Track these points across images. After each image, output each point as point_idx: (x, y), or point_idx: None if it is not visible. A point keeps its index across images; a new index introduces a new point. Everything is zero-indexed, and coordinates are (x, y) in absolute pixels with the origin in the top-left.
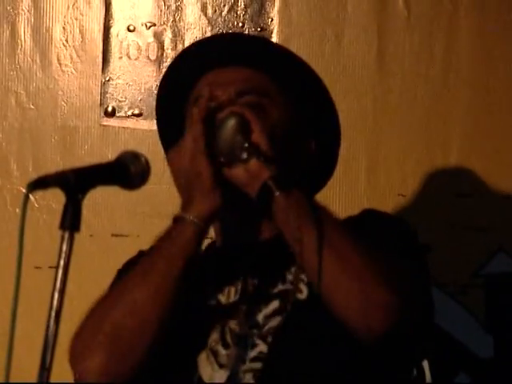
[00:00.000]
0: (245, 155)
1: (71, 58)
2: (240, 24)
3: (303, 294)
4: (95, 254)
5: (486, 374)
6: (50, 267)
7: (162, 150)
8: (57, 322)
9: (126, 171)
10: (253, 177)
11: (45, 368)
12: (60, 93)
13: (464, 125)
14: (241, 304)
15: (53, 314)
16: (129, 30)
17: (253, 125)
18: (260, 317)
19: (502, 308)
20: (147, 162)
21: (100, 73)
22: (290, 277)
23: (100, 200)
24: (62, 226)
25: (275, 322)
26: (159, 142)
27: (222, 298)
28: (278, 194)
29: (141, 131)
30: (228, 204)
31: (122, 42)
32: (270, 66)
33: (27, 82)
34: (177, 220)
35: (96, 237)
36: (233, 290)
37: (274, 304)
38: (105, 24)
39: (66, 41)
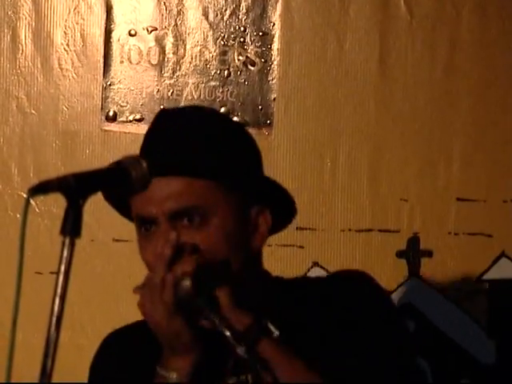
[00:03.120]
0: (205, 316)
1: (72, 63)
2: (242, 28)
3: None
4: (96, 259)
5: (488, 379)
6: (51, 272)
7: None
8: (58, 327)
9: (127, 176)
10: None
11: (45, 374)
12: (61, 97)
13: (466, 130)
14: None
15: (54, 319)
16: (130, 35)
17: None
18: None
19: (505, 314)
20: (148, 167)
21: (101, 77)
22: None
23: (101, 205)
24: (63, 231)
25: None
26: None
27: None
28: (246, 356)
29: (142, 136)
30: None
31: (123, 47)
32: (202, 171)
33: (28, 87)
34: (163, 379)
35: (97, 242)
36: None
37: None
38: (106, 28)
39: (67, 45)
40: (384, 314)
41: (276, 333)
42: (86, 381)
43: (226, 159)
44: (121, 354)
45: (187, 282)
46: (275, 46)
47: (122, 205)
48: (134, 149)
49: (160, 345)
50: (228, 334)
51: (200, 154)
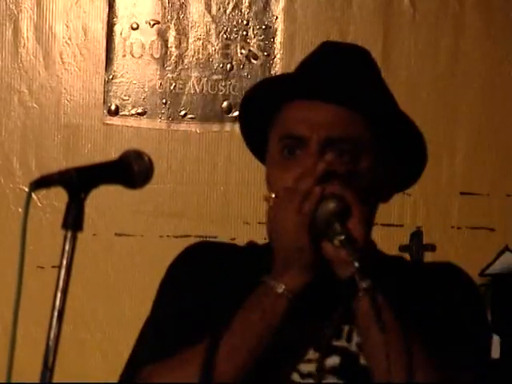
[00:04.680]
0: (337, 243)
1: (74, 57)
2: (244, 22)
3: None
4: (98, 254)
5: (492, 374)
6: (53, 267)
7: (166, 149)
8: (59, 321)
9: (130, 170)
10: (340, 262)
11: (47, 368)
12: (63, 91)
13: (470, 123)
14: (300, 347)
15: (55, 313)
16: (132, 28)
17: (353, 209)
18: (314, 366)
19: (508, 308)
20: (150, 161)
21: (103, 71)
22: (344, 332)
23: (103, 199)
24: (65, 225)
25: (333, 379)
26: (163, 141)
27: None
28: (361, 294)
29: (144, 130)
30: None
31: (125, 40)
32: (365, 107)
33: (30, 81)
34: (268, 287)
35: (99, 236)
36: (300, 333)
37: (335, 360)
38: (108, 22)
39: (69, 39)
40: (478, 313)
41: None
42: (88, 377)
43: (389, 106)
44: (204, 262)
45: (332, 203)
46: (278, 39)
47: (255, 129)
48: (137, 142)
49: (274, 257)
50: (357, 265)
51: (365, 91)
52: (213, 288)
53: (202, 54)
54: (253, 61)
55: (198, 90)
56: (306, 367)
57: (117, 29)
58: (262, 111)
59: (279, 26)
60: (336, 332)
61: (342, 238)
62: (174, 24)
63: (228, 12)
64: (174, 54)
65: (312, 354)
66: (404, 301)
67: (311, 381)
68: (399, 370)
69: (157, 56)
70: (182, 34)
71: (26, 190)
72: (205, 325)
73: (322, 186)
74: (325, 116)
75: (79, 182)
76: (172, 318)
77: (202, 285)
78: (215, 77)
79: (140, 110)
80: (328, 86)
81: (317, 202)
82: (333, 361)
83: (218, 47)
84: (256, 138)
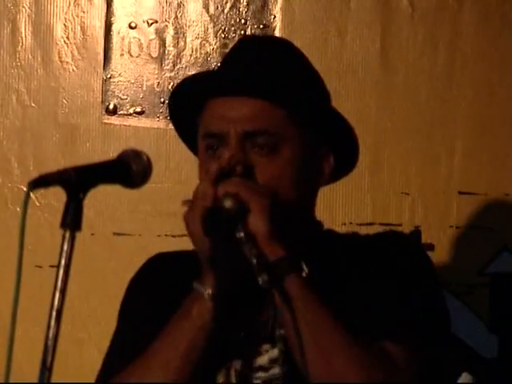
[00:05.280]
0: (239, 241)
1: (72, 56)
2: (242, 21)
3: None
4: (97, 253)
5: (490, 373)
6: (51, 266)
7: (164, 148)
8: (58, 321)
9: (128, 169)
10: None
11: (46, 368)
12: (61, 90)
13: (468, 122)
14: (246, 342)
15: (54, 313)
16: (130, 27)
17: (250, 204)
18: (265, 359)
19: (507, 307)
20: (149, 161)
21: (101, 70)
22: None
23: (101, 198)
24: (64, 225)
25: (278, 369)
26: (161, 140)
27: (228, 334)
28: (264, 285)
29: (142, 129)
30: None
31: (123, 39)
32: (284, 97)
33: (28, 80)
34: (197, 292)
35: (97, 236)
36: (238, 326)
37: (279, 348)
38: (106, 21)
39: (67, 38)
40: (426, 278)
41: (306, 271)
42: (87, 376)
43: (307, 92)
44: (162, 274)
45: (229, 202)
46: None
47: (187, 132)
48: (135, 142)
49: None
50: (254, 261)
51: (282, 81)
52: (170, 298)
53: (200, 53)
54: None
55: None
56: (257, 361)
57: (115, 28)
58: (189, 110)
59: (277, 25)
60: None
61: (241, 235)
62: (172, 23)
63: (226, 11)
64: (172, 53)
65: (263, 347)
66: (352, 274)
67: (262, 374)
68: (312, 357)
69: (155, 55)
70: (180, 33)
71: (25, 189)
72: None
73: (215, 187)
74: (240, 111)
75: (78, 181)
76: (131, 332)
77: (159, 297)
78: None
79: (138, 110)
80: (242, 81)
81: (212, 204)
82: (276, 350)
83: (215, 46)
84: (189, 136)
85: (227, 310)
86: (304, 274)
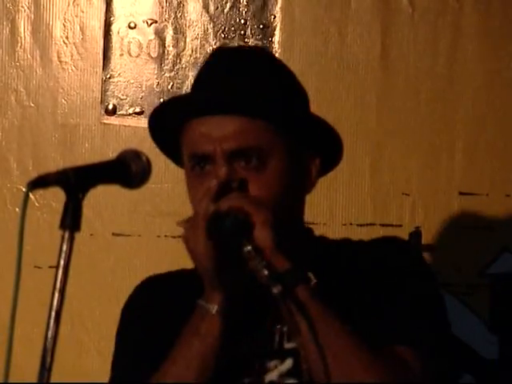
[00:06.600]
0: (247, 256)
1: (71, 56)
2: (242, 21)
3: None
4: (96, 254)
5: (490, 374)
6: (50, 267)
7: None
8: (57, 321)
9: (127, 170)
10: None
11: (45, 368)
12: (60, 90)
13: (469, 123)
14: (255, 358)
15: (53, 313)
16: (130, 27)
17: (254, 217)
18: (274, 375)
19: (507, 308)
20: (148, 161)
21: (101, 70)
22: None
23: (101, 199)
24: (63, 226)
25: (290, 382)
26: None
27: (236, 351)
28: (279, 296)
29: (142, 129)
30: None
31: (122, 40)
32: (263, 111)
33: (27, 80)
34: (203, 310)
35: (97, 236)
36: (245, 342)
37: (288, 363)
38: (105, 21)
39: (67, 38)
40: (424, 284)
41: (314, 281)
42: (86, 376)
43: (286, 102)
44: (155, 296)
45: (230, 220)
46: (276, 38)
47: (169, 145)
48: (134, 142)
49: (201, 281)
50: (266, 272)
51: (261, 95)
52: (167, 318)
53: (200, 53)
54: None
55: None
56: (267, 377)
57: (114, 28)
58: (170, 131)
59: (277, 25)
60: (282, 335)
61: (249, 248)
62: (172, 23)
63: (226, 11)
64: (172, 54)
65: (272, 363)
66: (349, 282)
67: None
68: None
69: (154, 55)
70: (179, 33)
71: (24, 189)
72: (161, 357)
73: (216, 204)
74: (223, 130)
75: (77, 181)
76: (134, 357)
77: (156, 318)
78: None
79: (138, 110)
80: (221, 101)
81: (214, 221)
82: (288, 363)
83: (215, 46)
84: (173, 152)
85: (233, 326)
86: (313, 284)
